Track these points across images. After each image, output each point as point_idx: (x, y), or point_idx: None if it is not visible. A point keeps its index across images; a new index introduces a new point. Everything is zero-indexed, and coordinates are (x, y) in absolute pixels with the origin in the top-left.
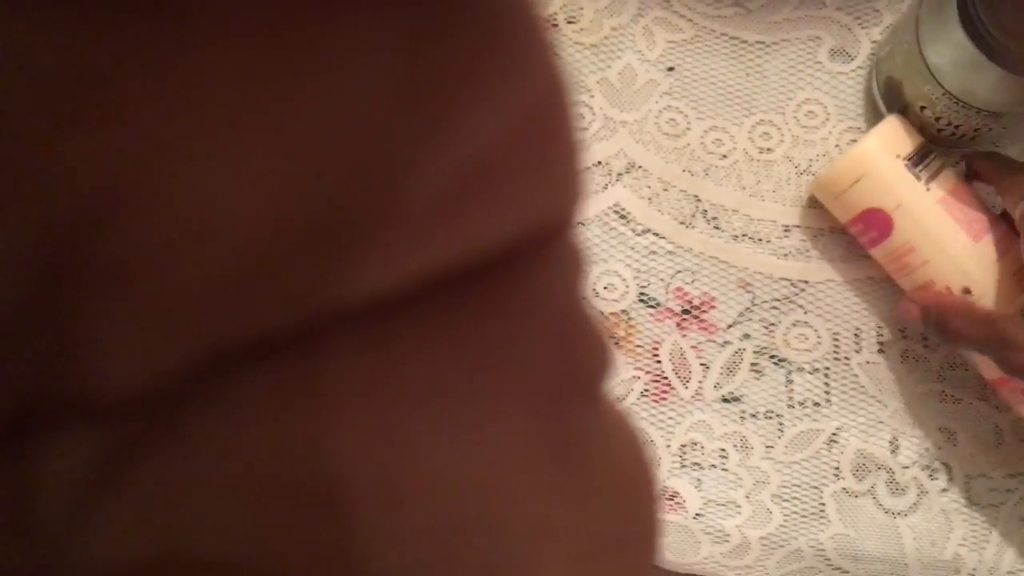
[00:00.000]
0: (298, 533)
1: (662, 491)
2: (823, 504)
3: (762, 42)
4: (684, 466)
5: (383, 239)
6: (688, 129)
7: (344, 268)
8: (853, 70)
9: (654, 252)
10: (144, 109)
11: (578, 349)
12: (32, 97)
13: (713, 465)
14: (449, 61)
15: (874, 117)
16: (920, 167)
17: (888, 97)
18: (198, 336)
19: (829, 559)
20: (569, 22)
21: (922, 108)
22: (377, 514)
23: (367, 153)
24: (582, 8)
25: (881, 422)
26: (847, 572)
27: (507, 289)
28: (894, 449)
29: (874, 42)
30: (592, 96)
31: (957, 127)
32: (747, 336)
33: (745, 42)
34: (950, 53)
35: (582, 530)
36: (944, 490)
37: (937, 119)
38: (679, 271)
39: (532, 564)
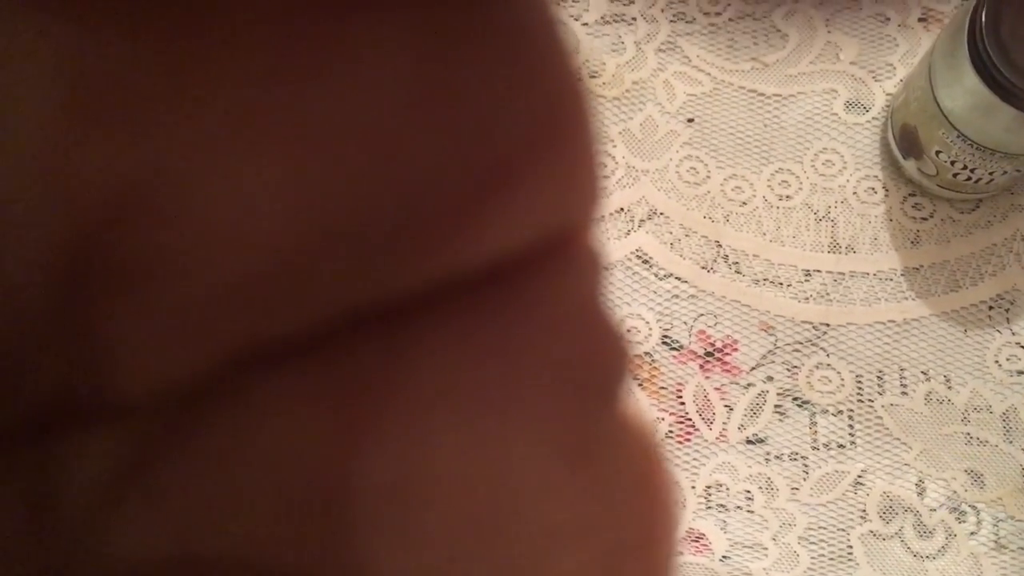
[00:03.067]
0: (314, 533)
1: (688, 533)
2: (851, 547)
3: (779, 95)
4: (709, 507)
5: (404, 243)
6: (708, 177)
7: (364, 271)
8: (869, 121)
9: (676, 296)
10: (165, 113)
11: (596, 352)
12: (54, 101)
13: (739, 507)
14: (470, 65)
15: (891, 165)
16: None
17: (904, 144)
18: (220, 338)
19: None
20: (592, 76)
21: (938, 152)
22: (394, 516)
23: (389, 155)
24: (604, 63)
25: (907, 464)
26: None
27: (526, 292)
28: (920, 491)
29: (888, 94)
30: (615, 146)
31: (973, 171)
32: (770, 378)
33: (763, 94)
34: (963, 97)
35: (599, 532)
36: (973, 533)
37: (952, 163)
38: (701, 314)
39: (549, 566)
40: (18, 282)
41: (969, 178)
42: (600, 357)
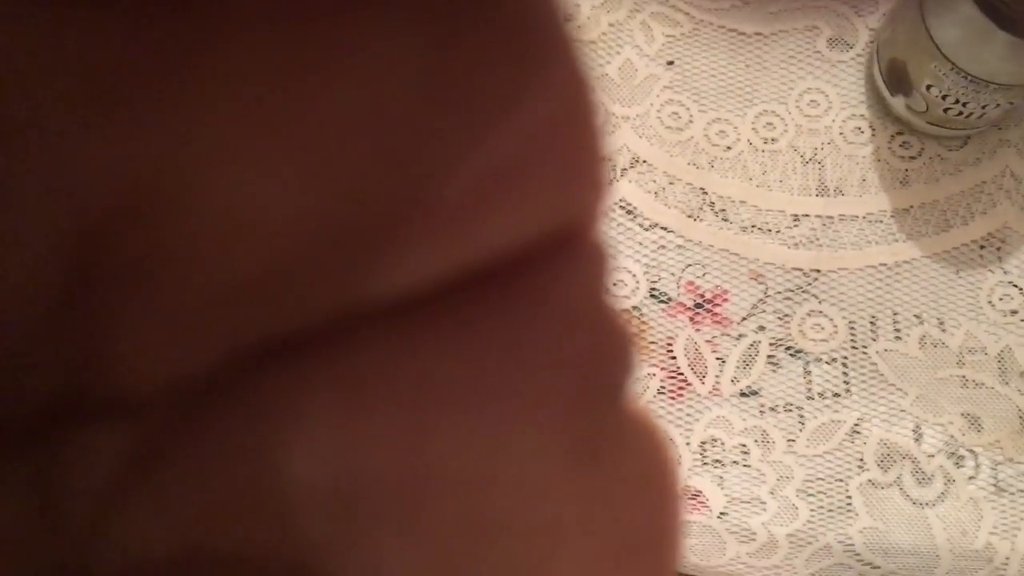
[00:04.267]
0: (320, 529)
1: (684, 490)
2: (849, 497)
3: (760, 33)
4: (705, 464)
5: (410, 238)
6: (691, 122)
7: (371, 267)
8: (853, 58)
9: (663, 247)
10: (170, 108)
11: (601, 348)
12: (58, 96)
13: (735, 462)
14: (478, 59)
15: (877, 103)
16: None
17: (892, 80)
18: (226, 334)
19: (859, 554)
20: (566, 19)
21: (928, 87)
22: (399, 513)
23: (396, 151)
24: (579, 4)
25: (903, 411)
26: (878, 567)
27: (530, 288)
28: (918, 438)
29: (871, 29)
30: None
31: (965, 105)
32: (762, 328)
33: (743, 34)
34: (958, 26)
35: (605, 530)
36: (971, 478)
37: (944, 97)
38: (689, 265)
39: (554, 564)
40: (25, 277)
41: (960, 113)
42: (605, 353)
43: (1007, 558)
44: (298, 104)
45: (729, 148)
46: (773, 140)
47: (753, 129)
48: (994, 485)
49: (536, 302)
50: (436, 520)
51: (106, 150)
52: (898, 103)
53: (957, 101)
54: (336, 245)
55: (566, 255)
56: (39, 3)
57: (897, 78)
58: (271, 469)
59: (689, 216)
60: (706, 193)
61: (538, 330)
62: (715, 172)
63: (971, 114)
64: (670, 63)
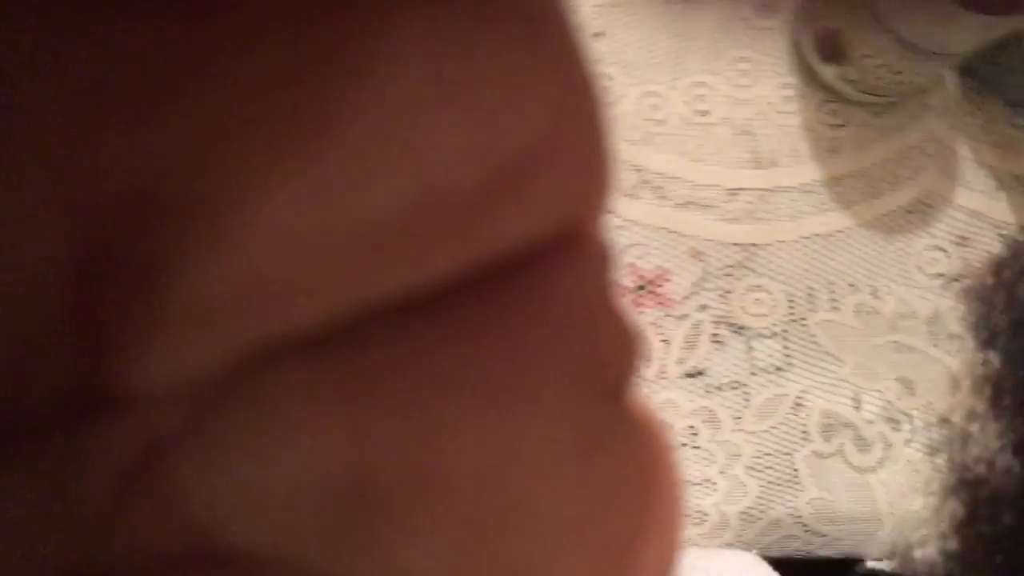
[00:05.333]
0: (330, 525)
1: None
2: (796, 470)
3: (687, 0)
4: None
5: (416, 235)
6: (623, 96)
7: (377, 264)
8: (778, 24)
9: None
10: (181, 108)
11: (606, 346)
12: (69, 96)
13: (684, 444)
14: (487, 57)
15: (805, 71)
16: None
17: (824, 49)
18: (238, 332)
19: (807, 525)
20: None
21: (864, 56)
22: (408, 508)
23: (406, 149)
24: None
25: (842, 380)
26: (825, 535)
27: (536, 288)
28: (857, 405)
29: None
30: None
31: (898, 73)
32: (704, 307)
33: (670, 2)
34: None
35: (607, 525)
36: (908, 440)
37: (879, 66)
38: (630, 245)
39: (559, 558)
40: (35, 275)
41: (892, 80)
42: (609, 350)
43: (944, 516)
44: (311, 103)
45: (662, 122)
46: (705, 112)
47: (684, 102)
48: (929, 446)
49: (541, 299)
50: (446, 516)
51: (116, 149)
52: (828, 71)
53: (892, 70)
54: (347, 244)
55: (571, 252)
56: (52, 3)
57: (830, 46)
58: (282, 466)
59: (626, 195)
60: (641, 170)
61: (543, 327)
62: (650, 148)
63: (903, 81)
64: (598, 35)
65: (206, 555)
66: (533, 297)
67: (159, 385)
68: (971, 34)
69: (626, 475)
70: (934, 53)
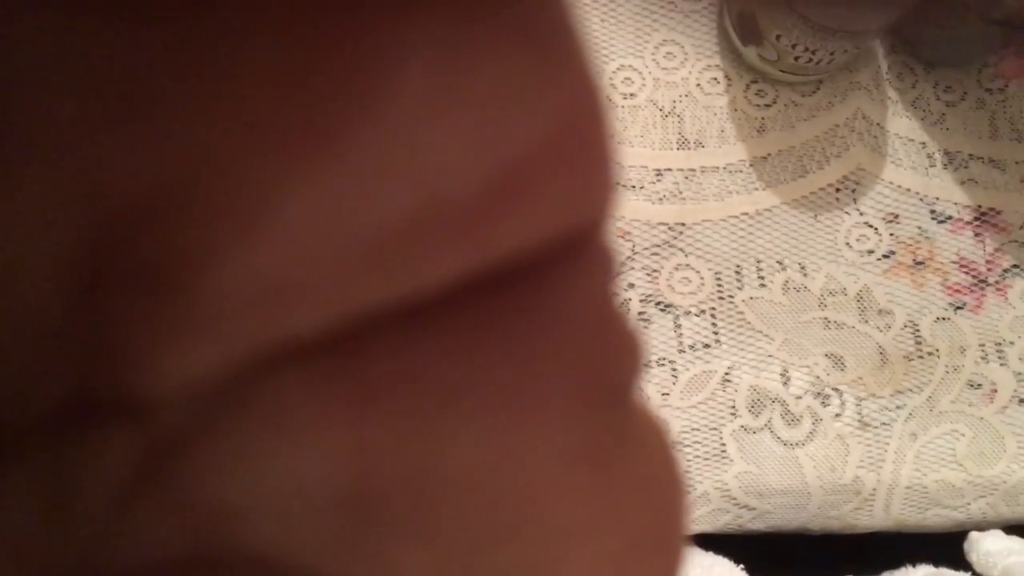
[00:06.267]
0: (332, 530)
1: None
2: (724, 444)
3: None
4: None
5: (424, 241)
6: None
7: (382, 270)
8: (706, 7)
9: None
10: (186, 113)
11: (609, 352)
12: (73, 99)
13: None
14: (491, 64)
15: (731, 53)
16: None
17: (743, 31)
18: (243, 338)
19: (735, 498)
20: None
21: (778, 37)
22: (410, 514)
23: (412, 156)
24: None
25: (771, 356)
26: (753, 509)
27: (540, 293)
28: (786, 381)
29: None
30: None
31: (814, 52)
32: (631, 285)
33: None
34: None
35: (612, 531)
36: (837, 415)
37: (794, 46)
38: None
39: (564, 565)
40: (39, 280)
41: (811, 60)
42: (613, 356)
43: (873, 489)
44: (316, 110)
45: None
46: (632, 95)
47: (612, 85)
48: (859, 420)
49: (545, 305)
50: (449, 522)
51: (121, 153)
52: (750, 53)
53: (807, 49)
54: (352, 250)
55: (575, 260)
56: (58, 8)
57: (748, 29)
58: (284, 471)
59: None
60: None
61: (547, 333)
62: None
63: (821, 60)
64: None
65: (210, 559)
66: (537, 303)
67: (163, 390)
68: (877, 12)
69: (630, 480)
70: (842, 31)
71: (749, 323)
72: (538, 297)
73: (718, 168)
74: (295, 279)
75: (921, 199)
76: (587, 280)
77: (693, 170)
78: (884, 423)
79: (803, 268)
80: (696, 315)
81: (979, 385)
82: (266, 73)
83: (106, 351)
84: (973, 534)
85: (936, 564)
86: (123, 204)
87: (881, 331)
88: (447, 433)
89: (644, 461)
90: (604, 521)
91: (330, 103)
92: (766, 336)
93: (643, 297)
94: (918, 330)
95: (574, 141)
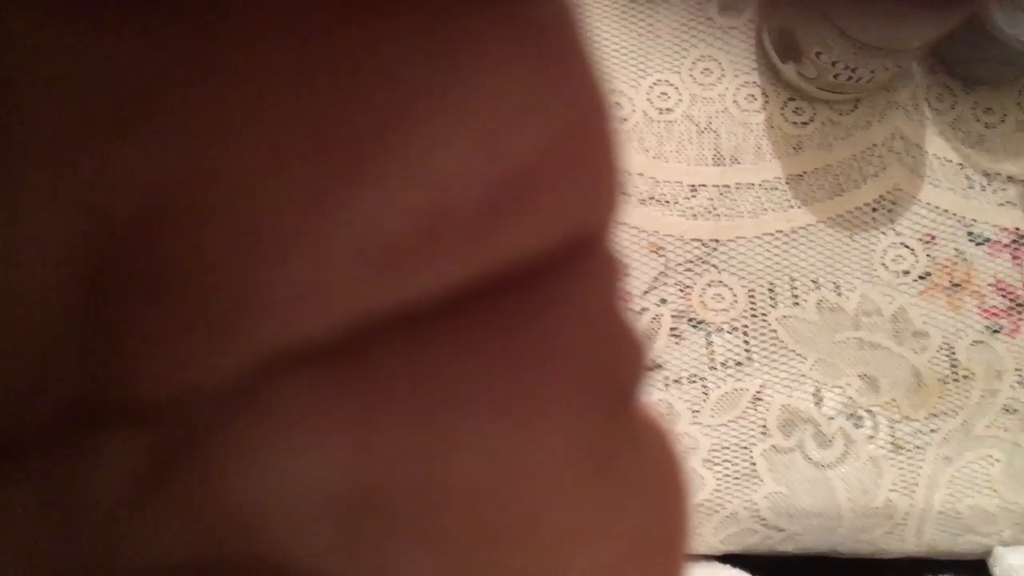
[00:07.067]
0: (341, 534)
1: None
2: (754, 464)
3: (652, 0)
4: None
5: (430, 248)
6: None
7: (388, 276)
8: (744, 24)
9: None
10: (195, 116)
11: (614, 356)
12: (80, 104)
13: None
14: (497, 71)
15: (768, 70)
16: None
17: (782, 47)
18: (251, 342)
19: (764, 519)
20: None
21: (818, 54)
22: (415, 519)
23: (419, 163)
24: None
25: (803, 375)
26: (783, 530)
27: (545, 299)
28: (818, 401)
29: None
30: None
31: (854, 70)
32: (663, 301)
33: (634, 1)
34: None
35: (618, 535)
36: (870, 437)
37: (834, 63)
38: None
39: (571, 569)
40: (43, 284)
41: (850, 78)
42: (618, 360)
43: (906, 513)
44: (322, 117)
45: (625, 120)
46: (668, 110)
47: (648, 100)
48: (892, 443)
49: (551, 311)
50: (454, 527)
51: (129, 157)
52: (789, 70)
53: (847, 67)
54: (359, 256)
55: (580, 266)
56: (65, 10)
57: (787, 45)
58: (291, 476)
59: None
60: None
61: (553, 338)
62: None
63: (860, 78)
64: None
65: (219, 562)
66: (543, 308)
67: (167, 393)
68: (918, 30)
69: (636, 485)
70: (883, 49)
71: (782, 342)
72: (543, 302)
73: (753, 185)
74: (304, 284)
75: (959, 220)
76: (592, 285)
77: (728, 186)
78: (918, 446)
79: (838, 287)
80: (728, 332)
81: (1015, 411)
82: (279, 79)
83: (115, 354)
84: (998, 548)
85: None
86: (132, 209)
87: (916, 353)
88: (454, 437)
89: (649, 464)
90: (609, 524)
91: (337, 113)
92: (799, 355)
93: (675, 313)
94: (954, 353)
95: (579, 149)
